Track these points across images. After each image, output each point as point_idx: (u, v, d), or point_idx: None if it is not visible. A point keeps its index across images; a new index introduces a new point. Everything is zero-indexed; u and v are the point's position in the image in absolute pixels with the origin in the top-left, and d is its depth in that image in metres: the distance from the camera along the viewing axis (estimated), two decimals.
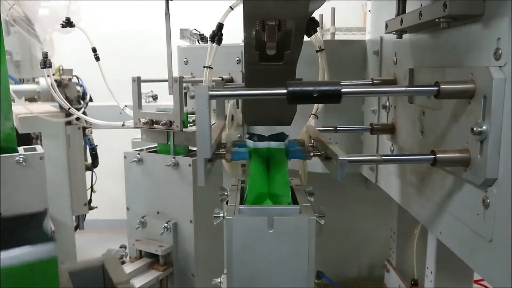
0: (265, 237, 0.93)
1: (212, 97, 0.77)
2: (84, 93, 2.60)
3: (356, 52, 1.58)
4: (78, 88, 2.59)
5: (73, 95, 2.51)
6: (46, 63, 2.28)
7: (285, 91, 0.75)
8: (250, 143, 1.06)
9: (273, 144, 1.05)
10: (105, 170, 3.06)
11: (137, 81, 1.82)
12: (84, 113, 2.56)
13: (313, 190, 1.12)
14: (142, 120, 1.90)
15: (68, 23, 2.34)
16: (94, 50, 2.43)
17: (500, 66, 0.74)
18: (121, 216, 2.17)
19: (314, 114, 1.35)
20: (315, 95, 0.75)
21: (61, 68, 2.54)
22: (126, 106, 2.41)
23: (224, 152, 0.98)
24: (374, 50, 1.46)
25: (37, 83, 2.63)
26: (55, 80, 2.44)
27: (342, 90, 0.76)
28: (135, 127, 1.95)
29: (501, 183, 0.75)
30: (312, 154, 1.03)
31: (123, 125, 2.25)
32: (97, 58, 2.43)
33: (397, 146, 1.25)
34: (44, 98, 2.59)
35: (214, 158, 0.95)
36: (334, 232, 2.09)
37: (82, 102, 2.57)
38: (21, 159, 1.83)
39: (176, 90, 1.75)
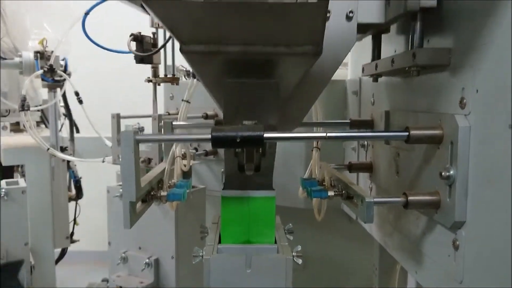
0: (243, 277, 0.94)
1: (138, 141, 0.80)
2: (66, 66, 2.57)
3: (337, 92, 1.63)
4: (61, 62, 2.56)
5: (57, 67, 2.47)
6: (24, 106, 2.28)
7: (209, 136, 0.78)
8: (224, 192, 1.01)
9: (259, 193, 1.00)
10: (89, 200, 3.04)
11: (116, 118, 1.83)
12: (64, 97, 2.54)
13: (293, 228, 1.13)
14: None
15: (50, 70, 2.36)
16: (76, 93, 2.45)
17: (465, 115, 0.78)
18: (104, 248, 2.14)
19: (316, 147, 1.37)
20: (238, 140, 0.77)
21: (44, 40, 2.49)
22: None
23: (159, 194, 0.97)
24: (353, 90, 1.51)
25: (20, 55, 2.56)
26: (38, 52, 2.41)
27: (264, 135, 0.78)
28: (114, 163, 1.95)
29: (470, 226, 0.78)
30: (334, 194, 1.01)
31: (103, 161, 2.23)
32: (80, 101, 2.44)
33: (375, 184, 1.28)
34: (27, 71, 2.52)
35: (150, 199, 0.96)
36: (317, 266, 2.09)
37: (64, 73, 2.51)
38: (3, 193, 1.82)
39: (155, 127, 1.77)
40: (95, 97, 3.16)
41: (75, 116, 2.79)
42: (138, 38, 1.79)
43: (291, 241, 1.06)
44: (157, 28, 1.83)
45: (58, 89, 2.49)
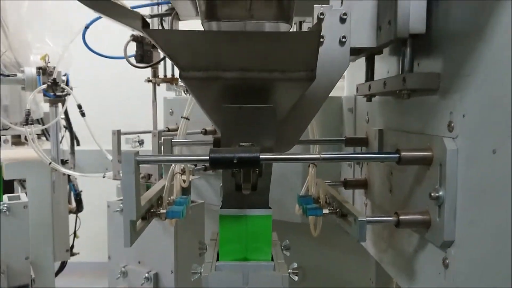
0: None
1: (138, 162, 0.83)
2: (67, 81, 2.61)
3: (334, 108, 1.66)
4: (63, 77, 2.59)
5: (60, 81, 2.50)
6: (28, 120, 2.31)
7: (207, 157, 0.81)
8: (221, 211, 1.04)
9: (256, 212, 1.03)
10: (89, 212, 3.06)
11: (117, 134, 1.86)
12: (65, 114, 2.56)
13: (291, 240, 1.16)
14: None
15: (52, 84, 2.39)
16: (79, 106, 2.48)
17: (453, 138, 0.81)
18: (104, 259, 2.16)
19: (313, 164, 1.39)
20: (235, 161, 0.80)
21: (46, 56, 2.53)
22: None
23: (158, 212, 1.01)
24: (349, 107, 1.54)
25: (22, 71, 2.59)
26: (40, 67, 2.45)
27: (260, 157, 0.81)
28: (114, 179, 1.98)
29: (458, 246, 0.81)
30: (328, 212, 1.04)
31: (103, 177, 2.26)
32: (83, 114, 2.47)
33: (370, 201, 1.31)
34: (29, 86, 2.53)
35: (150, 216, 0.99)
36: (315, 278, 2.11)
37: (66, 87, 2.54)
38: (5, 208, 1.85)
39: (155, 144, 1.79)
40: (94, 105, 3.18)
41: (75, 127, 2.82)
42: (138, 39, 1.82)
43: (288, 257, 1.09)
44: None
45: (60, 104, 2.53)
